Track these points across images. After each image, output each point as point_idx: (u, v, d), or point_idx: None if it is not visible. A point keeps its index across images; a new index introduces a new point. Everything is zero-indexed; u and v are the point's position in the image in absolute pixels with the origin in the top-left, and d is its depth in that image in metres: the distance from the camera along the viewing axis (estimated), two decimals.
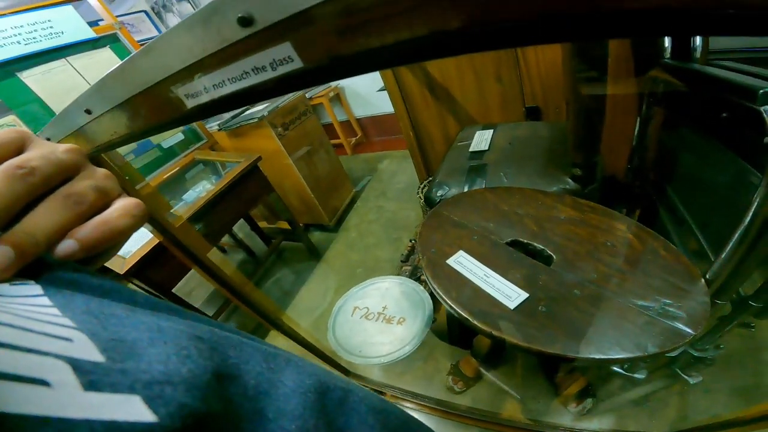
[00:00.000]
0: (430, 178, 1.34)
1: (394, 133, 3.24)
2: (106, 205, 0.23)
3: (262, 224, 2.41)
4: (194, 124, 2.01)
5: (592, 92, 0.80)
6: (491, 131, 1.09)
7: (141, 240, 1.52)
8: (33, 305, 0.16)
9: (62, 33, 1.65)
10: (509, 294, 0.56)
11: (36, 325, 0.15)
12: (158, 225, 0.57)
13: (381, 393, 1.37)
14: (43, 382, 0.13)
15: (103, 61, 1.78)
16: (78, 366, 0.13)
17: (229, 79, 0.23)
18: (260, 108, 2.02)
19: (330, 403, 0.21)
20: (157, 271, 1.47)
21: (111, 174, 0.24)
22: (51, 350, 0.14)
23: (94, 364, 0.14)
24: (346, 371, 1.18)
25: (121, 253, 1.45)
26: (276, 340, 1.80)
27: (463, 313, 0.56)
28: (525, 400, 1.04)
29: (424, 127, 1.48)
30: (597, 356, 0.46)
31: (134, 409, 0.13)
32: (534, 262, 0.61)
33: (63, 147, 0.22)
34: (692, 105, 0.77)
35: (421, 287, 1.04)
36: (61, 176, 0.21)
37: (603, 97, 0.77)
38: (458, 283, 0.61)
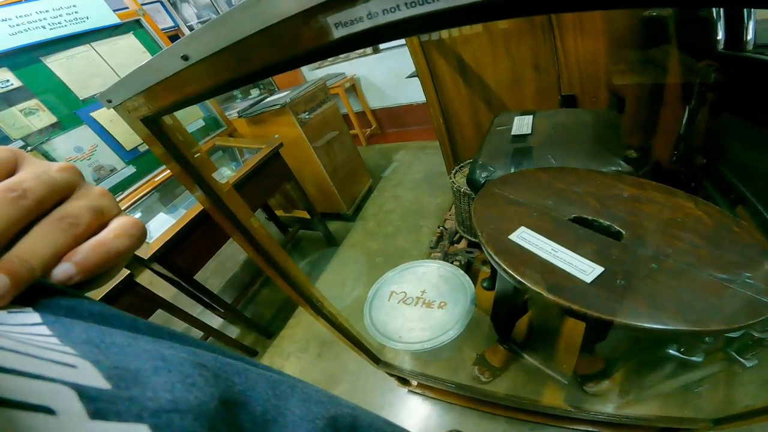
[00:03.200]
0: (461, 164, 1.33)
1: (409, 125, 3.24)
2: (102, 226, 0.22)
3: (279, 213, 2.41)
4: (215, 111, 2.00)
5: (652, 80, 0.80)
6: (531, 117, 1.08)
7: (164, 225, 1.52)
8: (32, 334, 0.15)
9: (87, 18, 1.63)
10: (583, 268, 0.55)
11: (38, 351, 0.14)
12: (207, 189, 0.57)
13: (406, 383, 1.36)
14: (48, 410, 0.12)
15: (127, 48, 1.77)
16: (84, 393, 0.13)
17: (407, 3, 0.21)
18: (281, 95, 2.01)
19: (342, 428, 0.21)
20: (180, 257, 1.47)
21: (107, 192, 0.23)
22: (56, 376, 0.13)
23: (99, 391, 0.14)
24: (376, 359, 1.17)
25: None
26: (300, 319, 1.79)
27: (535, 288, 0.55)
28: (564, 386, 1.03)
29: (454, 113, 1.47)
30: (687, 328, 0.45)
31: None
32: (603, 237, 0.60)
33: (57, 166, 0.21)
34: (748, 90, 0.77)
35: (461, 271, 1.02)
36: (55, 198, 0.20)
37: (662, 79, 0.77)
38: (525, 258, 0.60)
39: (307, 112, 1.99)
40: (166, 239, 1.37)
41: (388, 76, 2.99)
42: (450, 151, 1.58)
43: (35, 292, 0.18)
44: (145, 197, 1.70)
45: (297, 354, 1.70)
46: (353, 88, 3.16)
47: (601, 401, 0.93)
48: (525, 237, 0.63)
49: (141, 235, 0.23)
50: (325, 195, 2.24)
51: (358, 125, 3.17)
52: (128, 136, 1.70)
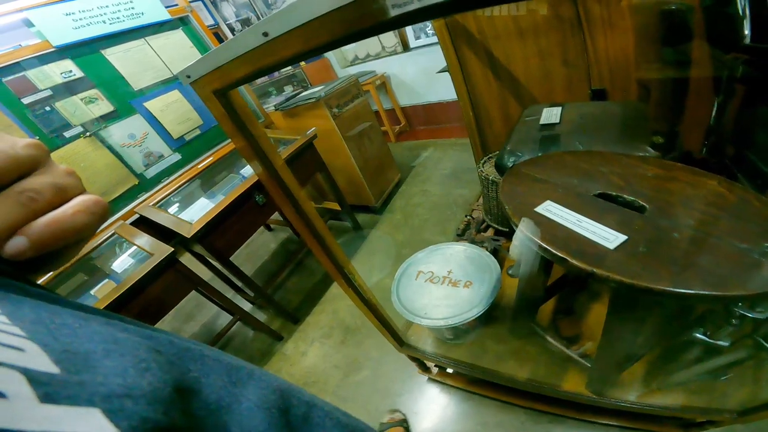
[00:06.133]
0: (490, 155, 1.37)
1: (438, 122, 3.28)
2: (64, 203, 0.21)
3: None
4: (254, 104, 2.10)
5: (675, 74, 0.82)
6: (560, 108, 1.11)
7: (204, 209, 1.62)
8: None
9: (142, 14, 1.76)
10: (606, 236, 0.59)
11: None
12: (266, 162, 0.63)
13: (426, 370, 1.39)
14: None
15: (176, 42, 1.89)
16: (33, 377, 0.13)
17: None
18: (316, 90, 2.10)
19: (294, 419, 0.22)
20: (218, 239, 1.56)
21: (73, 171, 0.23)
22: (3, 360, 0.13)
23: (49, 376, 0.13)
24: (400, 341, 1.21)
25: (186, 218, 1.55)
26: (337, 301, 1.84)
27: (559, 253, 0.59)
28: (586, 369, 1.03)
29: (483, 107, 1.51)
30: (708, 292, 0.48)
31: (94, 422, 0.13)
32: (627, 210, 0.63)
33: (23, 142, 0.20)
34: None
35: (487, 252, 1.06)
36: (16, 172, 0.19)
37: (687, 70, 0.79)
38: (549, 227, 0.64)
39: (339, 107, 2.07)
40: (207, 221, 1.46)
41: (419, 74, 3.05)
42: (479, 144, 1.61)
43: None
44: (187, 183, 1.82)
45: (321, 340, 1.76)
46: (384, 85, 3.23)
47: (624, 390, 0.94)
48: (550, 209, 0.67)
49: (102, 213, 0.22)
50: (355, 187, 2.31)
51: (387, 122, 3.24)
52: (176, 126, 1.81)
